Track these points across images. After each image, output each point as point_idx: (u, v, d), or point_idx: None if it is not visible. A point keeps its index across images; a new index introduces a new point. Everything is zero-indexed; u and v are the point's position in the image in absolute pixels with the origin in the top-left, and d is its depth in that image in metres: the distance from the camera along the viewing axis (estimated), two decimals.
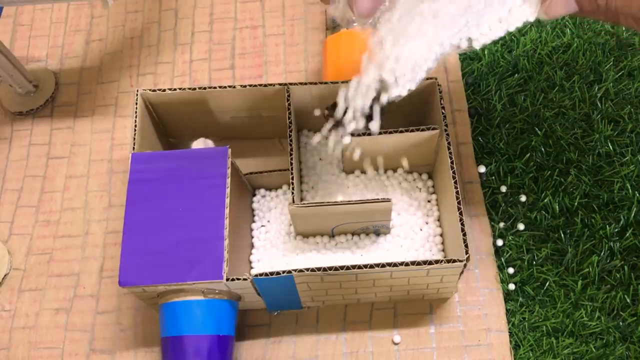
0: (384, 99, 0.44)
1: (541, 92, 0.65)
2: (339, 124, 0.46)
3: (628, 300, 0.56)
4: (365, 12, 0.37)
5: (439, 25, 0.39)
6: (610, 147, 0.62)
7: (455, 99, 0.66)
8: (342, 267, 0.48)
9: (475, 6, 0.39)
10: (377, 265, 0.48)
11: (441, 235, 0.58)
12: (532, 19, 0.41)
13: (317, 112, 0.51)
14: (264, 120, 0.61)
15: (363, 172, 0.60)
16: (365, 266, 0.48)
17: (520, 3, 0.40)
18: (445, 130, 0.54)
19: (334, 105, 0.61)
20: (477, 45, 0.42)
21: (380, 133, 0.55)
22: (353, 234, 0.58)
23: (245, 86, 0.57)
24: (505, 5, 0.40)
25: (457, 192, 0.51)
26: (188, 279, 0.48)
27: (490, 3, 0.40)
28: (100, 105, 0.69)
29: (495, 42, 0.69)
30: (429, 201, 0.59)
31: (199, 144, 0.59)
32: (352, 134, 0.55)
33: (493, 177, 0.61)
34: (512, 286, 0.57)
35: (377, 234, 0.58)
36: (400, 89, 0.42)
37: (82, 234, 0.62)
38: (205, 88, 0.57)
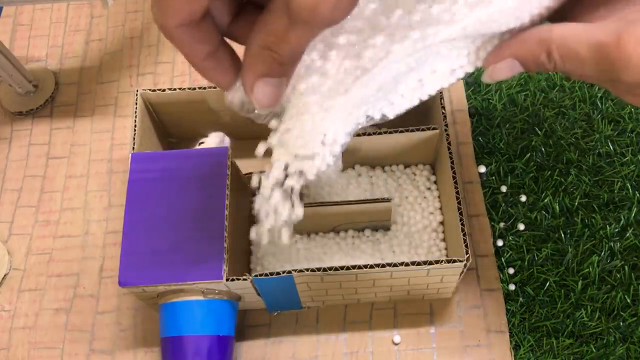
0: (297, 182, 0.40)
1: (541, 92, 0.65)
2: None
3: (628, 301, 0.56)
4: (266, 102, 0.33)
5: (339, 114, 0.35)
6: (611, 147, 0.62)
7: (455, 99, 0.66)
8: (342, 267, 0.48)
9: (389, 81, 0.36)
10: (377, 265, 0.48)
11: (441, 235, 0.58)
12: (461, 75, 0.37)
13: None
14: None
15: (363, 170, 0.60)
16: (365, 266, 0.48)
17: (461, 63, 0.37)
18: (446, 130, 0.54)
19: None
20: (391, 116, 0.38)
21: (380, 133, 0.55)
22: (353, 234, 0.58)
23: None
24: (437, 69, 0.37)
25: (457, 192, 0.51)
26: (188, 279, 0.48)
27: (411, 69, 0.36)
28: (100, 105, 0.69)
29: None
30: (429, 200, 0.59)
31: (217, 137, 0.57)
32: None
33: (493, 177, 0.61)
34: (512, 286, 0.57)
35: (376, 229, 0.58)
36: (317, 164, 0.38)
37: (82, 234, 0.62)
38: (205, 88, 0.57)
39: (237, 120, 0.61)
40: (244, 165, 0.60)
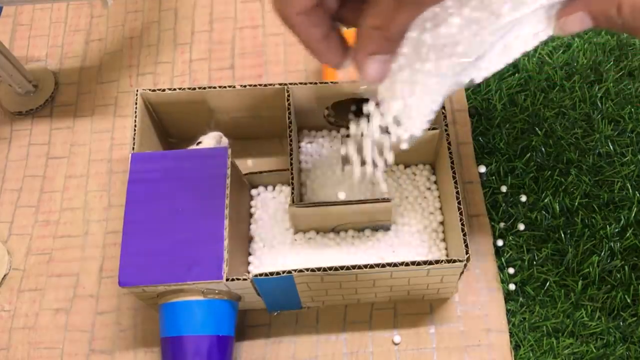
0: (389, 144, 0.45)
1: (541, 92, 0.65)
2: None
3: (628, 300, 0.56)
4: (374, 77, 0.36)
5: (445, 80, 0.39)
6: (611, 147, 0.62)
7: (455, 99, 0.66)
8: (342, 267, 0.48)
9: (487, 47, 0.38)
10: (377, 265, 0.48)
11: (441, 235, 0.58)
12: (543, 38, 0.40)
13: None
14: (264, 120, 0.61)
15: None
16: (365, 266, 0.48)
17: (542, 28, 0.39)
18: (446, 130, 0.54)
19: (334, 106, 0.61)
20: (479, 80, 0.41)
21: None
22: (353, 234, 0.58)
23: (245, 86, 0.57)
24: (521, 34, 0.39)
25: (457, 192, 0.51)
26: (188, 279, 0.48)
27: (504, 36, 0.39)
28: (100, 105, 0.69)
29: None
30: (429, 200, 0.59)
31: (214, 137, 0.58)
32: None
33: (493, 177, 0.61)
34: (512, 286, 0.57)
35: (376, 229, 0.58)
36: (407, 135, 0.42)
37: (82, 234, 0.62)
38: (205, 88, 0.57)
39: (237, 120, 0.61)
40: (244, 165, 0.60)
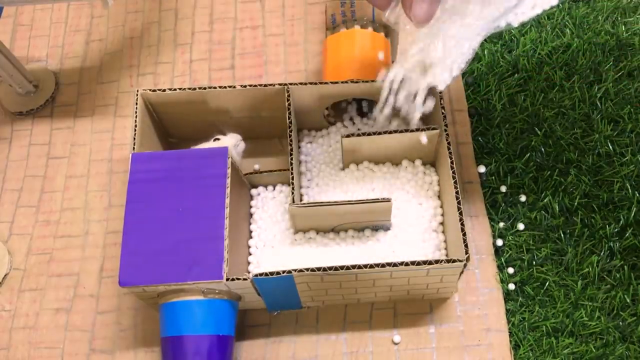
0: (425, 83, 0.45)
1: (541, 92, 0.65)
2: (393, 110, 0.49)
3: (628, 300, 0.56)
4: (422, 17, 0.37)
5: (486, 12, 0.40)
6: (610, 147, 0.62)
7: (455, 99, 0.66)
8: (342, 267, 0.48)
9: None
10: (377, 265, 0.48)
11: (442, 235, 0.58)
12: None
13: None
14: (264, 120, 0.61)
15: (363, 170, 0.60)
16: (365, 266, 0.48)
17: None
18: (445, 130, 0.54)
19: (334, 106, 0.61)
20: (515, 24, 0.42)
21: (380, 133, 0.55)
22: (353, 234, 0.58)
23: (245, 86, 0.57)
24: None
25: (457, 192, 0.51)
26: (188, 279, 0.48)
27: None
28: (100, 105, 0.69)
29: (495, 42, 0.69)
30: (429, 200, 0.59)
31: (234, 138, 0.58)
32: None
33: (493, 177, 0.62)
34: (512, 286, 0.57)
35: (376, 229, 0.58)
36: (447, 74, 0.43)
37: (82, 234, 0.62)
38: (205, 88, 0.57)
39: (237, 120, 0.61)
40: (244, 165, 0.60)
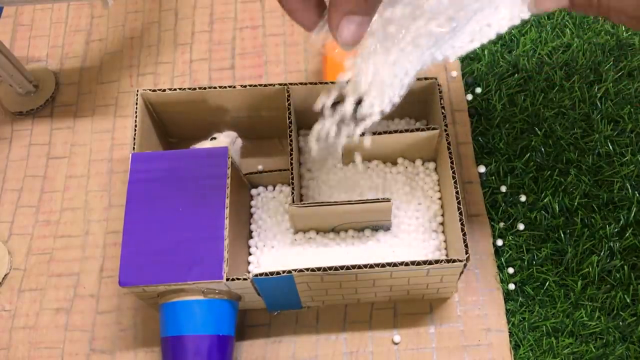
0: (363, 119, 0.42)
1: (541, 92, 0.65)
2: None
3: (628, 300, 0.56)
4: (349, 39, 0.34)
5: (418, 51, 0.38)
6: (610, 147, 0.62)
7: (454, 99, 0.66)
8: (342, 267, 0.48)
9: (462, 21, 0.38)
10: (377, 265, 0.48)
11: (442, 235, 0.58)
12: (517, 22, 0.40)
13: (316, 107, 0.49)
14: (264, 120, 0.61)
15: (363, 170, 0.60)
16: (365, 266, 0.48)
17: (517, 11, 0.39)
18: (445, 130, 0.54)
19: (334, 106, 0.61)
20: (452, 58, 0.40)
21: (380, 133, 0.55)
22: (353, 234, 0.58)
23: (245, 86, 0.57)
24: (495, 13, 0.39)
25: (457, 192, 0.51)
26: (188, 279, 0.48)
27: (480, 11, 0.39)
28: (100, 105, 0.69)
29: (495, 42, 0.69)
30: (429, 200, 0.59)
31: (229, 136, 0.58)
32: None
33: (493, 177, 0.62)
34: (512, 286, 0.57)
35: (376, 229, 0.58)
36: (374, 109, 0.40)
37: (82, 234, 0.62)
38: (205, 88, 0.57)
39: (237, 120, 0.61)
40: (245, 166, 0.60)
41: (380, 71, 0.38)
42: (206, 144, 0.56)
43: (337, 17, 0.33)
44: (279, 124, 0.58)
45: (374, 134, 0.55)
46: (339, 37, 0.34)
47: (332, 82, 0.56)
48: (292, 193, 0.54)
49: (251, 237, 0.59)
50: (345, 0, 0.33)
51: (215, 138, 0.56)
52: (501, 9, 0.39)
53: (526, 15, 0.40)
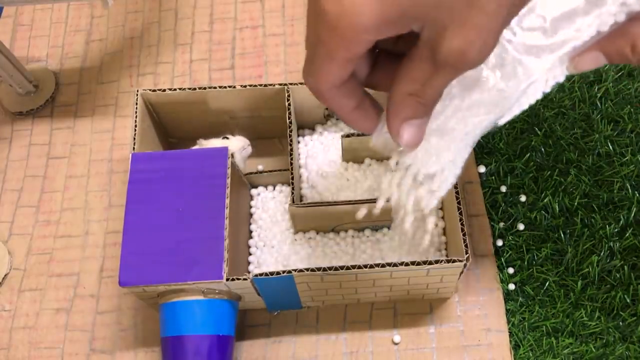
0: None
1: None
2: None
3: (628, 300, 0.56)
4: (411, 142, 0.35)
5: (475, 134, 0.39)
6: (610, 147, 0.62)
7: None
8: (342, 267, 0.48)
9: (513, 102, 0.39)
10: (377, 265, 0.48)
11: (442, 235, 0.58)
12: (562, 79, 0.41)
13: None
14: (264, 120, 0.61)
15: (363, 170, 0.60)
16: (365, 266, 0.48)
17: (558, 72, 0.40)
18: None
19: None
20: (501, 123, 0.41)
21: None
22: (353, 234, 0.58)
23: (245, 86, 0.57)
24: (539, 82, 0.40)
25: (457, 192, 0.51)
26: (188, 279, 0.48)
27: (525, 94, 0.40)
28: (100, 105, 0.69)
29: None
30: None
31: (241, 141, 0.58)
32: (349, 135, 0.55)
33: (493, 177, 0.62)
34: (512, 286, 0.57)
35: (376, 229, 0.58)
36: (435, 199, 0.41)
37: (82, 234, 0.62)
38: (205, 88, 0.57)
39: (237, 120, 0.61)
40: (253, 168, 0.60)
41: (440, 156, 0.39)
42: (216, 143, 0.56)
43: (397, 123, 0.34)
44: (279, 124, 0.58)
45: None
46: (401, 141, 0.35)
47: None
48: (292, 193, 0.54)
49: (251, 237, 0.59)
50: (404, 107, 0.34)
51: (227, 138, 0.57)
52: (542, 76, 0.40)
53: (565, 74, 0.40)
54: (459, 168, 0.41)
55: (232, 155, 0.53)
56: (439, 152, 0.39)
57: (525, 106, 0.41)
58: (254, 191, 0.61)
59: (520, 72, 0.37)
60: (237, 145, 0.57)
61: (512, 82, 0.37)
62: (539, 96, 0.41)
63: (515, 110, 0.41)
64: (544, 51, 0.38)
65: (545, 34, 0.38)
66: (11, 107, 0.69)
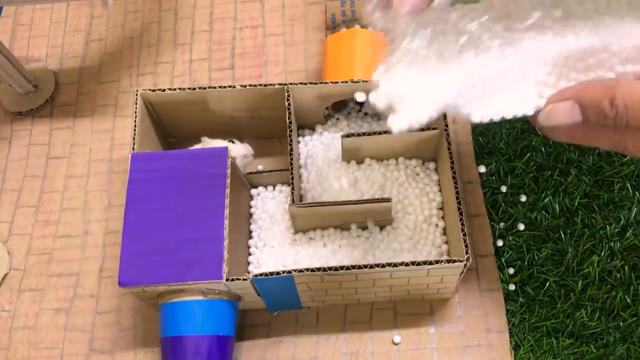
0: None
1: None
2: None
3: (628, 301, 0.56)
4: (407, 6, 0.33)
5: (455, 75, 0.38)
6: None
7: None
8: (342, 267, 0.48)
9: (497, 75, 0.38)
10: (377, 265, 0.48)
11: (442, 235, 0.58)
12: (530, 113, 0.39)
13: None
14: (264, 120, 0.61)
15: (364, 170, 0.60)
16: (365, 266, 0.48)
17: (532, 95, 0.38)
18: (445, 130, 0.54)
19: (334, 105, 0.61)
20: (475, 119, 0.39)
21: (380, 133, 0.55)
22: (353, 234, 0.58)
23: (245, 86, 0.57)
24: (520, 88, 0.38)
25: (457, 192, 0.51)
26: (188, 279, 0.48)
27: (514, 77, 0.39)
28: (100, 105, 0.69)
29: None
30: (430, 200, 0.59)
31: (245, 148, 0.59)
32: (349, 135, 0.55)
33: (493, 177, 0.61)
34: (512, 286, 0.57)
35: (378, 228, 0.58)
36: (396, 122, 0.39)
37: (82, 234, 0.62)
38: (205, 88, 0.57)
39: (237, 120, 0.61)
40: (253, 168, 0.60)
41: (415, 81, 0.38)
42: (221, 144, 0.56)
43: None
44: (279, 124, 0.58)
45: (374, 133, 0.55)
46: (400, 3, 0.34)
47: (332, 82, 0.56)
48: (292, 193, 0.54)
49: (251, 237, 0.59)
50: None
51: (233, 142, 0.57)
52: (524, 86, 0.38)
53: (531, 112, 0.39)
54: (431, 112, 0.38)
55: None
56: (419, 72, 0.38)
57: (506, 113, 0.39)
58: (254, 191, 0.61)
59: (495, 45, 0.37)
60: (240, 151, 0.57)
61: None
62: (520, 112, 0.39)
63: (494, 110, 0.39)
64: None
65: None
66: (11, 107, 0.69)
